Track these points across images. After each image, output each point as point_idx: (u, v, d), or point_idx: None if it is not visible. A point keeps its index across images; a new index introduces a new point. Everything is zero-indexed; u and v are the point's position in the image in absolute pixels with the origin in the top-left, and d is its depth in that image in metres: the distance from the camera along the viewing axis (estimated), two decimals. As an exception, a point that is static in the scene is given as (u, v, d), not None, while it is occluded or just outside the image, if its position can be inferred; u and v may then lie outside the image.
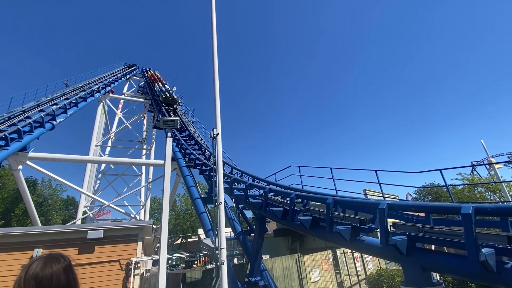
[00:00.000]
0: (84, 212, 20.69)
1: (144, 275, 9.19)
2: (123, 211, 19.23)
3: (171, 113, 19.96)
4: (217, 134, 5.77)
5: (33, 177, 36.35)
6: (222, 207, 5.10)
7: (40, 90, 18.02)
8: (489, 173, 21.61)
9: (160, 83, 25.56)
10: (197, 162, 12.14)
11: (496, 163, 13.86)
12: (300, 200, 6.25)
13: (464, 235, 2.82)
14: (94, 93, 20.96)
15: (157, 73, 31.87)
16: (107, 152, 25.50)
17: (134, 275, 8.33)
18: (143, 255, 9.87)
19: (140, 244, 9.07)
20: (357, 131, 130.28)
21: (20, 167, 13.66)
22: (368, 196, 13.97)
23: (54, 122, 14.79)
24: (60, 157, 14.07)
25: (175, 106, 21.85)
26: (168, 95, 21.50)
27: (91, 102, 20.65)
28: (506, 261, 2.75)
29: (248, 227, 9.06)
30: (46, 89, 18.57)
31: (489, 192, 20.87)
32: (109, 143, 26.13)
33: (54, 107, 15.31)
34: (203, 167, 11.42)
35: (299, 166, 8.95)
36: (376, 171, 6.74)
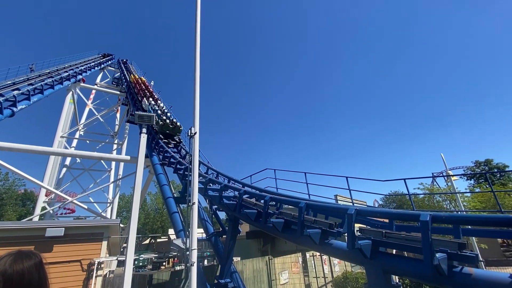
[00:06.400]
0: (43, 208, 19.15)
1: (107, 276, 8.73)
2: (86, 207, 18.00)
3: (175, 148, 13.76)
4: (195, 133, 5.69)
5: None
6: (195, 207, 5.03)
7: (0, 73, 16.49)
8: (447, 184, 23.50)
9: (150, 97, 17.85)
10: (172, 160, 11.82)
11: (453, 175, 15.13)
12: (274, 203, 6.34)
13: (422, 241, 3.06)
14: (63, 81, 19.55)
15: (143, 78, 23.83)
16: (73, 144, 23.90)
17: (96, 276, 7.86)
18: (107, 255, 9.37)
19: (105, 243, 8.60)
20: (332, 140, 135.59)
21: (-30, 156, 12.33)
22: (338, 201, 14.52)
23: (15, 109, 13.57)
24: (19, 147, 12.86)
25: (178, 137, 14.78)
26: (168, 122, 14.26)
27: (59, 90, 19.26)
28: (457, 265, 3.01)
29: (221, 229, 8.99)
30: (8, 72, 17.02)
31: (446, 202, 22.68)
32: (77, 135, 24.49)
33: (15, 92, 14.05)
34: (178, 166, 11.14)
35: (274, 170, 9.10)
36: (347, 177, 7.06)
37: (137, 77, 23.89)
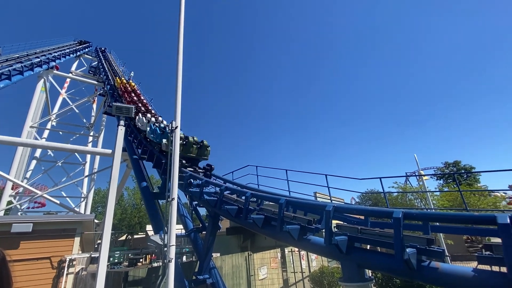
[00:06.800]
0: (9, 202, 17.93)
1: (80, 273, 8.38)
2: (58, 202, 17.03)
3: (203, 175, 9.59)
4: (176, 127, 5.57)
5: None
6: (175, 203, 4.93)
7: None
8: (419, 183, 24.83)
9: (148, 113, 13.16)
10: (151, 154, 11.48)
11: (424, 175, 16.01)
12: (254, 199, 6.37)
13: (394, 236, 3.20)
14: (34, 67, 18.31)
15: (132, 83, 18.98)
16: (45, 135, 22.50)
17: (67, 274, 7.51)
18: (80, 252, 8.97)
19: (77, 240, 8.22)
20: (313, 139, 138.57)
21: None
22: (317, 198, 14.88)
23: (-22, 95, 12.53)
24: (-17, 137, 11.89)
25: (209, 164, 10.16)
26: (191, 140, 10.05)
27: (29, 77, 18.01)
28: (425, 259, 3.19)
29: (201, 225, 8.90)
30: (-30, 54, 15.65)
31: (418, 200, 23.97)
32: (49, 126, 23.06)
33: (-21, 77, 12.98)
34: (157, 160, 10.84)
35: (256, 166, 9.14)
36: (326, 175, 7.24)
37: (124, 81, 18.62)
